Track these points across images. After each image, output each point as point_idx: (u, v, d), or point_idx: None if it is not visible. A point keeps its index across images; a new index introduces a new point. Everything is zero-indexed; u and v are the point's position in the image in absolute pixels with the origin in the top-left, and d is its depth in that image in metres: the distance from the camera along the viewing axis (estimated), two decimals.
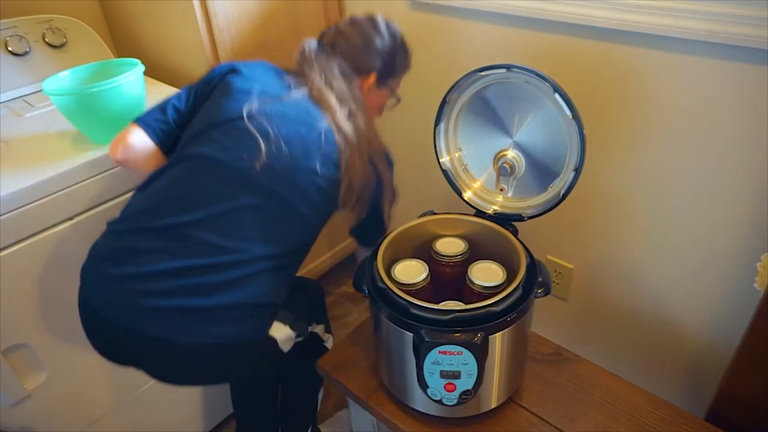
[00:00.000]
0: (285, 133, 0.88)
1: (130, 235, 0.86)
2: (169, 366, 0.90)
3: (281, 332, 0.95)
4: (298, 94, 0.94)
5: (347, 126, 0.93)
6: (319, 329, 1.16)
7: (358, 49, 1.00)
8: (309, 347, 1.10)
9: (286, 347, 0.99)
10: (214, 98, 0.94)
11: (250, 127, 0.87)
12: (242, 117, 0.88)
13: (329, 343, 1.22)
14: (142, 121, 0.95)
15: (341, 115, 0.93)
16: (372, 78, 1.02)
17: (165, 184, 0.88)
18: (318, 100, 0.94)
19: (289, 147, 0.87)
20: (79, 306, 0.89)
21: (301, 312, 1.01)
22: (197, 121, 0.94)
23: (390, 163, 1.03)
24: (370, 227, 1.07)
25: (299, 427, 1.28)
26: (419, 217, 0.99)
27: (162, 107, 0.97)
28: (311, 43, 1.01)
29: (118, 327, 0.84)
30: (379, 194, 1.00)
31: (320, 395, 1.30)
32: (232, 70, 0.96)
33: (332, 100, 0.94)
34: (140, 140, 0.94)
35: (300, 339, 1.03)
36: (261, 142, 0.86)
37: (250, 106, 0.89)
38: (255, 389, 1.25)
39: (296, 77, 0.98)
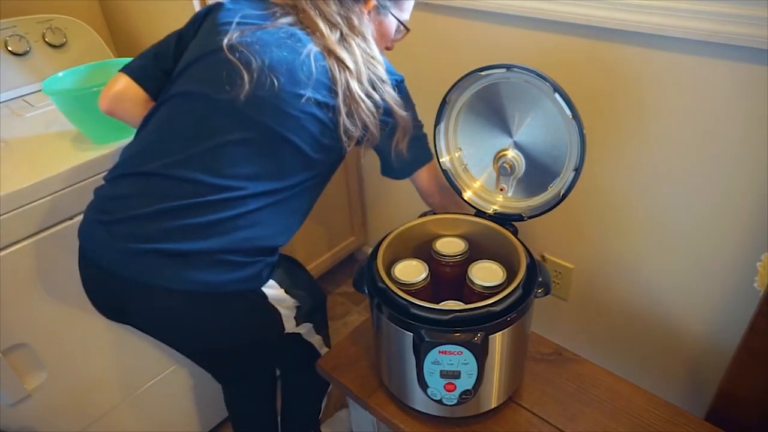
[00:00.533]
0: (268, 60, 0.83)
1: (118, 182, 0.85)
2: (161, 320, 0.87)
3: (275, 291, 0.90)
4: (284, 20, 0.88)
5: (339, 50, 0.86)
6: (316, 340, 1.11)
7: None
8: (306, 356, 1.08)
9: (288, 323, 0.95)
10: (198, 36, 0.91)
11: (231, 57, 0.82)
12: (222, 48, 0.83)
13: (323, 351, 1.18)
14: (128, 69, 0.93)
15: (332, 38, 0.87)
16: (371, 4, 0.93)
17: (150, 129, 0.87)
18: (305, 25, 0.88)
19: (274, 74, 0.83)
20: (78, 264, 0.89)
21: (302, 284, 0.96)
22: (181, 61, 0.91)
23: (401, 91, 0.96)
24: (394, 162, 0.99)
25: None
26: (419, 217, 0.99)
27: (145, 53, 0.95)
28: None
29: (109, 275, 0.82)
30: (394, 123, 0.94)
31: (323, 403, 1.28)
32: (217, 5, 0.91)
33: (320, 23, 0.88)
34: (126, 87, 0.92)
35: (298, 315, 0.98)
36: (243, 71, 0.82)
37: (230, 36, 0.84)
38: (249, 399, 1.21)
39: (283, 6, 0.92)
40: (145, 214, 0.80)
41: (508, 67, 0.87)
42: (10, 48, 1.25)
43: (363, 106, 0.88)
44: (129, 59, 1.11)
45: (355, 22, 0.90)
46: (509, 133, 0.95)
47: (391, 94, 0.92)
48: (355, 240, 1.91)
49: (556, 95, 0.83)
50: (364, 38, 0.90)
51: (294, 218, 0.92)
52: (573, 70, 1.10)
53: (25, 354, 1.01)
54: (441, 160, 1.02)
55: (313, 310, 1.02)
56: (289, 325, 0.96)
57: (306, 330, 1.05)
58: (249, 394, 1.21)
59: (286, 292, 0.92)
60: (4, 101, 1.25)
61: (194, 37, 0.92)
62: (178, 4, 1.23)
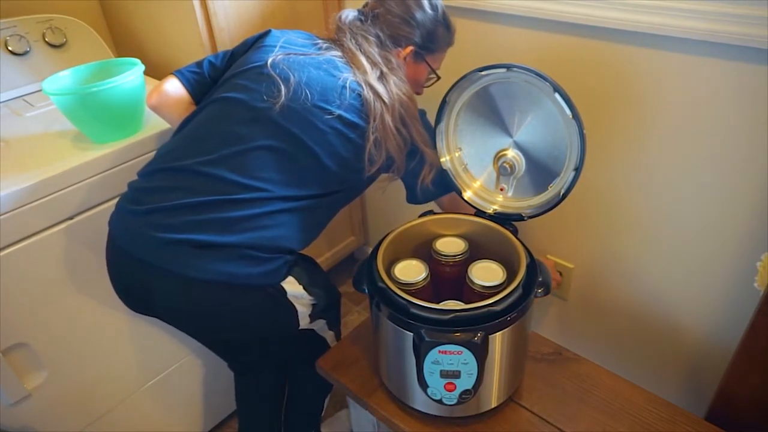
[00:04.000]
0: (306, 77, 0.91)
1: (152, 176, 0.91)
2: (185, 310, 0.91)
3: (293, 287, 0.94)
4: (328, 53, 0.96)
5: (377, 84, 0.93)
6: (329, 336, 1.15)
7: (397, 19, 0.99)
8: (317, 350, 1.10)
9: (303, 320, 0.98)
10: (246, 54, 0.99)
11: (272, 72, 0.91)
12: (266, 64, 0.92)
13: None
14: (179, 72, 1.01)
15: (372, 75, 0.94)
16: (408, 50, 1.00)
17: (189, 128, 0.94)
18: (348, 60, 0.96)
19: (308, 89, 0.90)
20: (106, 254, 0.95)
21: (319, 283, 1.00)
22: (227, 72, 0.99)
23: (428, 127, 1.02)
24: (418, 192, 1.06)
25: (302, 430, 1.28)
26: (419, 216, 0.99)
27: (200, 62, 1.03)
28: (349, 12, 1.02)
29: (137, 263, 0.86)
30: (421, 159, 1.00)
31: (326, 401, 1.29)
32: (268, 32, 1.01)
33: (363, 60, 0.95)
34: (174, 88, 1.00)
35: (313, 313, 1.00)
36: (281, 84, 0.89)
37: (275, 56, 0.93)
38: (260, 390, 1.24)
39: (329, 42, 1.00)
40: (176, 206, 0.85)
41: (508, 67, 0.87)
42: (10, 48, 1.24)
43: (392, 138, 0.94)
44: (129, 59, 1.12)
45: (394, 63, 0.98)
46: (509, 133, 0.95)
47: (420, 132, 0.98)
48: (355, 240, 1.91)
49: (556, 95, 0.83)
50: (401, 78, 0.97)
51: (312, 228, 0.98)
52: (573, 70, 1.10)
53: (25, 354, 1.01)
54: (441, 160, 1.03)
55: (328, 306, 1.04)
56: (304, 322, 0.99)
57: (319, 326, 1.08)
58: (260, 386, 1.24)
59: (304, 288, 0.95)
60: (4, 101, 1.25)
61: (243, 55, 1.00)
62: (178, 4, 1.23)
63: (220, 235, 0.84)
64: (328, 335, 1.15)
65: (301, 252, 0.97)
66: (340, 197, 1.00)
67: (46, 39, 1.29)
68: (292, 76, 0.90)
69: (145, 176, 0.93)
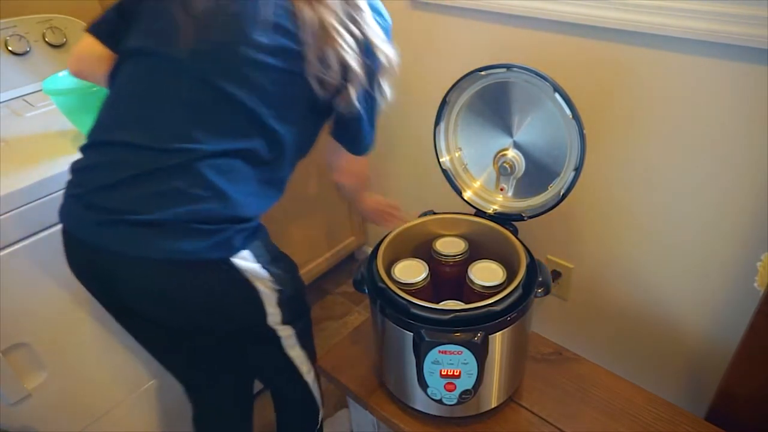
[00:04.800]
0: (212, 5, 0.79)
1: (87, 153, 0.84)
2: (142, 293, 0.84)
3: (248, 263, 0.82)
4: None
5: None
6: (297, 355, 1.00)
7: None
8: (292, 380, 1.01)
9: (270, 307, 0.88)
10: None
11: (171, 4, 0.79)
12: None
13: (310, 378, 1.05)
14: (92, 28, 0.90)
15: None
16: None
17: (110, 94, 0.85)
18: None
19: (217, 21, 0.78)
20: (63, 247, 0.87)
21: (282, 265, 0.89)
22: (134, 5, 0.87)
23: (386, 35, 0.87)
24: (355, 130, 0.93)
25: None
26: (419, 216, 0.99)
27: (110, 8, 0.90)
28: None
29: (91, 250, 0.81)
30: (373, 82, 0.86)
31: (320, 417, 1.17)
32: None
33: None
34: (89, 47, 0.89)
35: (280, 301, 0.89)
36: (180, 19, 0.78)
37: None
38: (221, 408, 1.13)
39: None
40: (110, 185, 0.78)
41: (508, 67, 0.87)
42: (10, 48, 1.25)
43: (340, 41, 0.80)
44: None
45: None
46: (509, 133, 0.95)
47: (372, 26, 0.84)
48: (355, 240, 1.91)
49: (556, 95, 0.83)
50: None
51: (264, 187, 0.86)
52: (573, 70, 1.10)
53: (25, 354, 1.01)
54: (441, 160, 1.02)
55: (296, 304, 0.95)
56: (272, 310, 0.89)
57: (290, 337, 0.97)
58: (221, 407, 1.11)
59: (262, 267, 0.84)
60: (4, 101, 1.25)
61: None
62: None
63: (157, 212, 0.76)
64: (298, 355, 1.00)
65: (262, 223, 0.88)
66: (292, 141, 0.86)
67: (46, 39, 1.29)
68: (194, 4, 0.78)
69: (83, 153, 0.84)
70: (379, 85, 0.88)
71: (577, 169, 0.87)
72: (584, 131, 0.83)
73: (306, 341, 1.02)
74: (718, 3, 0.87)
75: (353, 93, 0.84)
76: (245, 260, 0.82)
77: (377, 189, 1.79)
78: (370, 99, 0.89)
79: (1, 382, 0.98)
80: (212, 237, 0.78)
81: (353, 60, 0.82)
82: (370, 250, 0.94)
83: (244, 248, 0.82)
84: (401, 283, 0.87)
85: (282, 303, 0.89)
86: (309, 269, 1.77)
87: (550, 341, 1.05)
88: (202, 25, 0.78)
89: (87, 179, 0.81)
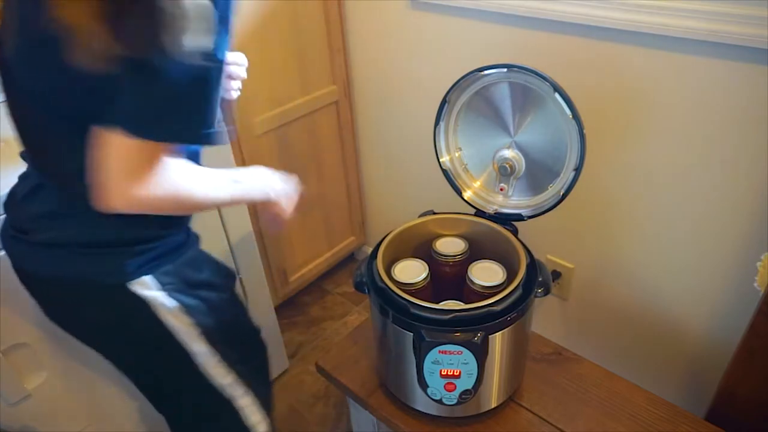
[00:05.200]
0: None
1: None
2: (61, 312, 0.80)
3: (146, 291, 0.71)
4: None
5: None
6: (246, 402, 0.85)
7: None
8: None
9: (193, 343, 0.76)
10: None
11: None
12: None
13: (262, 428, 0.89)
14: None
15: None
16: None
17: None
18: None
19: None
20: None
21: (205, 294, 0.77)
22: None
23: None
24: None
25: None
26: (419, 217, 0.99)
27: None
28: None
29: (26, 275, 0.77)
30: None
31: None
32: None
33: None
34: None
35: (206, 336, 0.77)
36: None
37: None
38: None
39: None
40: (18, 203, 0.75)
41: (508, 67, 0.87)
42: None
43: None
44: None
45: None
46: (509, 133, 0.95)
47: None
48: (355, 240, 1.91)
49: (556, 95, 0.83)
50: None
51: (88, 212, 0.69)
52: (573, 69, 1.10)
53: (25, 354, 1.01)
54: (441, 160, 1.02)
55: (232, 342, 0.80)
56: (199, 349, 0.76)
57: (236, 392, 0.83)
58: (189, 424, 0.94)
59: (168, 295, 0.72)
60: (3, 101, 1.25)
61: None
62: None
63: (42, 233, 0.71)
64: (245, 400, 0.85)
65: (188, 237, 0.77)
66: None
67: None
68: None
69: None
70: None
71: (577, 169, 0.87)
72: (584, 131, 0.83)
73: (259, 384, 0.88)
74: (718, 3, 0.87)
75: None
76: (144, 286, 0.71)
77: (378, 189, 1.79)
78: None
79: (1, 382, 0.98)
80: (99, 259, 0.70)
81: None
82: (370, 250, 0.94)
83: (146, 273, 0.71)
84: (401, 283, 0.87)
85: (214, 340, 0.77)
86: (309, 269, 1.77)
87: (550, 341, 1.05)
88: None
89: (10, 195, 0.79)
